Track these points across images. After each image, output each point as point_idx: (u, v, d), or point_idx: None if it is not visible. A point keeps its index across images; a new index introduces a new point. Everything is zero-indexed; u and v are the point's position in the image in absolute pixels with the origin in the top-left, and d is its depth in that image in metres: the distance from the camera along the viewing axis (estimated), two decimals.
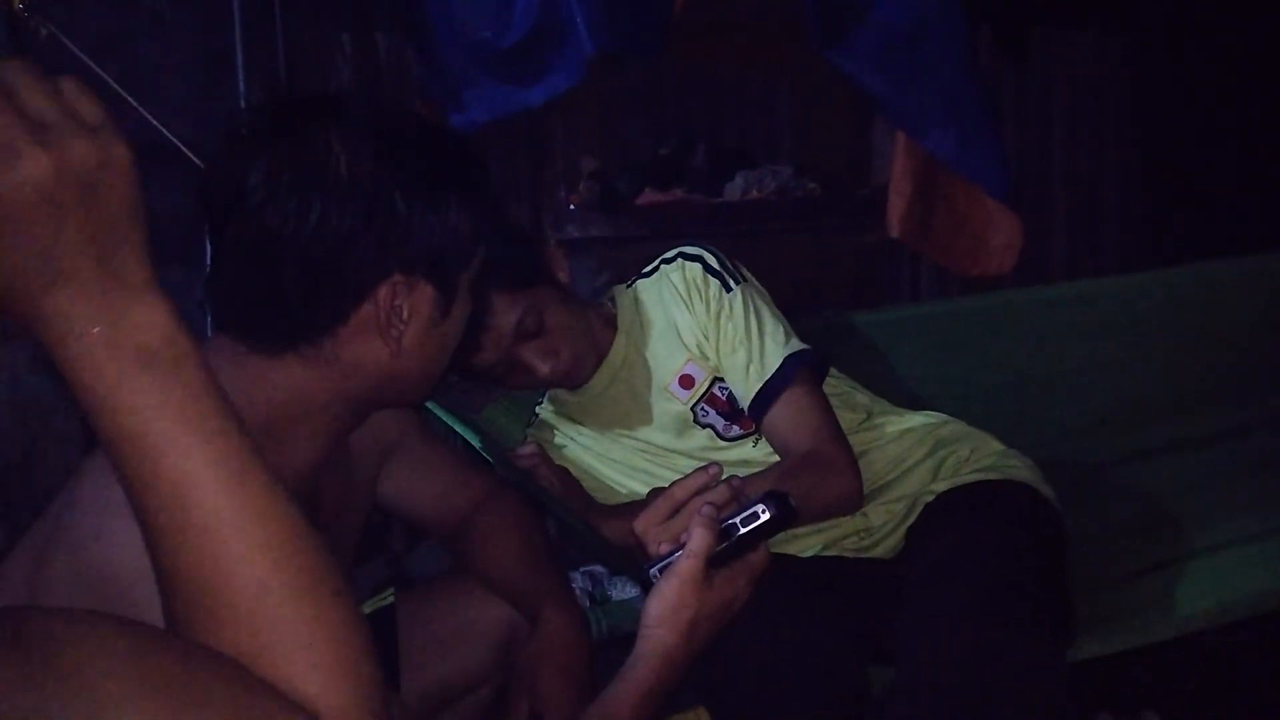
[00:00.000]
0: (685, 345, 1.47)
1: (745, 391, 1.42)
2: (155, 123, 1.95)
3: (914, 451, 1.46)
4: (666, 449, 1.50)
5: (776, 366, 1.39)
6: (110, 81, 2.05)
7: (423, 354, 0.95)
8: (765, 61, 3.36)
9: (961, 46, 2.25)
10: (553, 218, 2.96)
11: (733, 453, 1.47)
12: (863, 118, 3.13)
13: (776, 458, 1.42)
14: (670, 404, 1.48)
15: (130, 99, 2.04)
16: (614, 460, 1.54)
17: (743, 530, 0.93)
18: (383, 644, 1.19)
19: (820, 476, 1.34)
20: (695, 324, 1.46)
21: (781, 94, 3.47)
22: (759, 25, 2.70)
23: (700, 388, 1.47)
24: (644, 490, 1.47)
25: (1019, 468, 1.42)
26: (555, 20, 2.10)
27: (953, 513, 1.35)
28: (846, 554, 1.41)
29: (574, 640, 1.18)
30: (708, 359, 1.46)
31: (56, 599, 0.82)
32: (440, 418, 1.79)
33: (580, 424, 1.57)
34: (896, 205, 2.32)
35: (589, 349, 1.48)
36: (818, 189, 3.01)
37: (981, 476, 1.39)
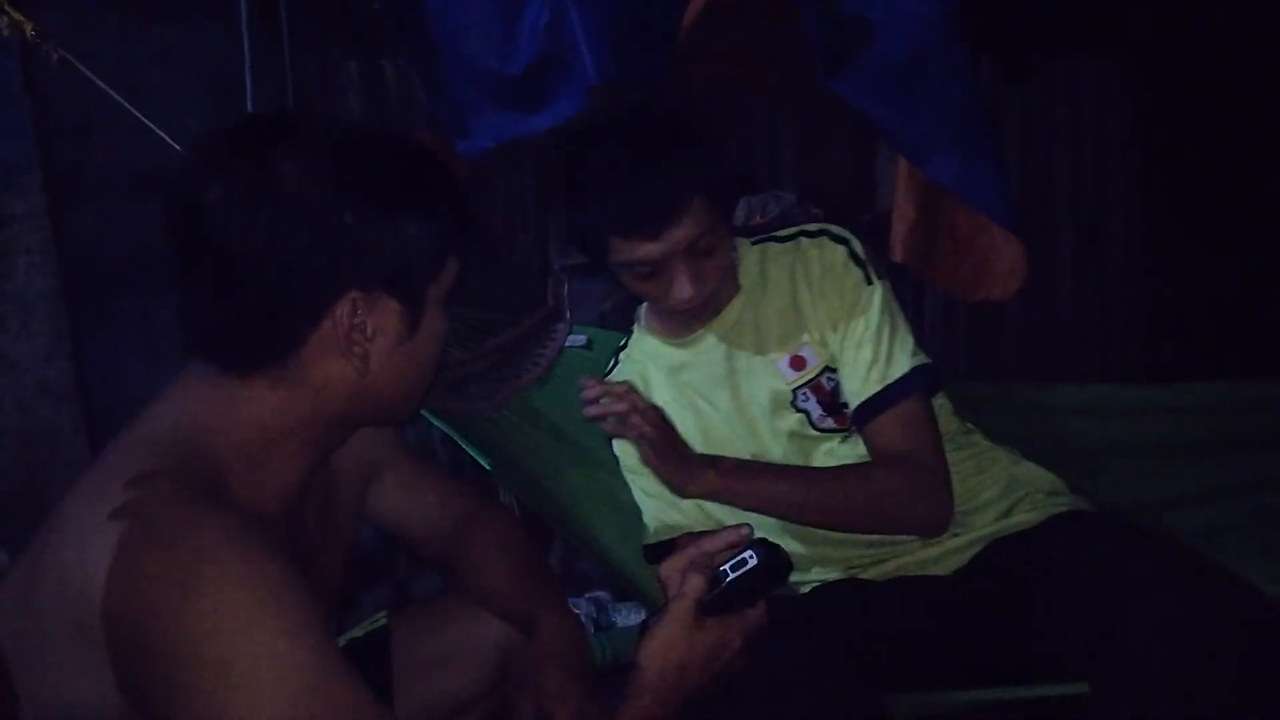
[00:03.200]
0: (806, 326, 1.40)
1: (859, 390, 1.37)
2: (169, 140, 1.97)
3: (995, 481, 1.43)
4: (757, 421, 1.43)
5: (901, 375, 1.35)
6: (122, 101, 2.08)
7: (395, 370, 0.94)
8: (769, 88, 3.38)
9: (964, 75, 2.27)
10: (559, 243, 2.98)
11: (820, 445, 1.42)
12: (866, 144, 3.15)
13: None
14: (773, 380, 1.41)
15: (145, 119, 2.06)
16: (699, 420, 1.46)
17: (732, 575, 0.95)
18: (376, 666, 1.19)
19: (913, 492, 1.31)
20: (825, 309, 1.39)
21: (785, 120, 3.48)
22: (763, 52, 2.72)
23: (809, 373, 1.40)
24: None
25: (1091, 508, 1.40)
26: (560, 49, 2.12)
27: (1049, 530, 1.32)
28: (910, 572, 1.38)
29: (573, 639, 1.19)
30: (826, 346, 1.40)
31: (46, 616, 0.83)
32: (444, 430, 1.78)
33: (675, 378, 1.49)
34: (900, 231, 2.33)
35: (718, 298, 1.42)
36: (821, 214, 3.02)
37: (1064, 508, 1.37)
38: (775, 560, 0.96)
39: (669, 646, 0.94)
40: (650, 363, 1.51)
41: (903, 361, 1.35)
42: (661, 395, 1.48)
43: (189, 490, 0.84)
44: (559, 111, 2.19)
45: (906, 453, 1.32)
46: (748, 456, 1.41)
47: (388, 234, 0.89)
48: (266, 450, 0.92)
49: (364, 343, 0.91)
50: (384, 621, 1.24)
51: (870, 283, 1.38)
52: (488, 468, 1.75)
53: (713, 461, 1.34)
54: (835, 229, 1.41)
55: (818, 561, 1.42)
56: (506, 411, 1.90)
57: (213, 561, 0.79)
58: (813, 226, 1.43)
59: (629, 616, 2.00)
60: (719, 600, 0.96)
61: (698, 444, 1.43)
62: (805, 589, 1.44)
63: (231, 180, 0.86)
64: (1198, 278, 3.42)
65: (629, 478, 1.54)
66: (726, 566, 0.96)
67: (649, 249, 1.29)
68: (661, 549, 1.46)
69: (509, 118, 2.26)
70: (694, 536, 1.22)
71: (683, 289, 1.32)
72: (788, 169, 3.44)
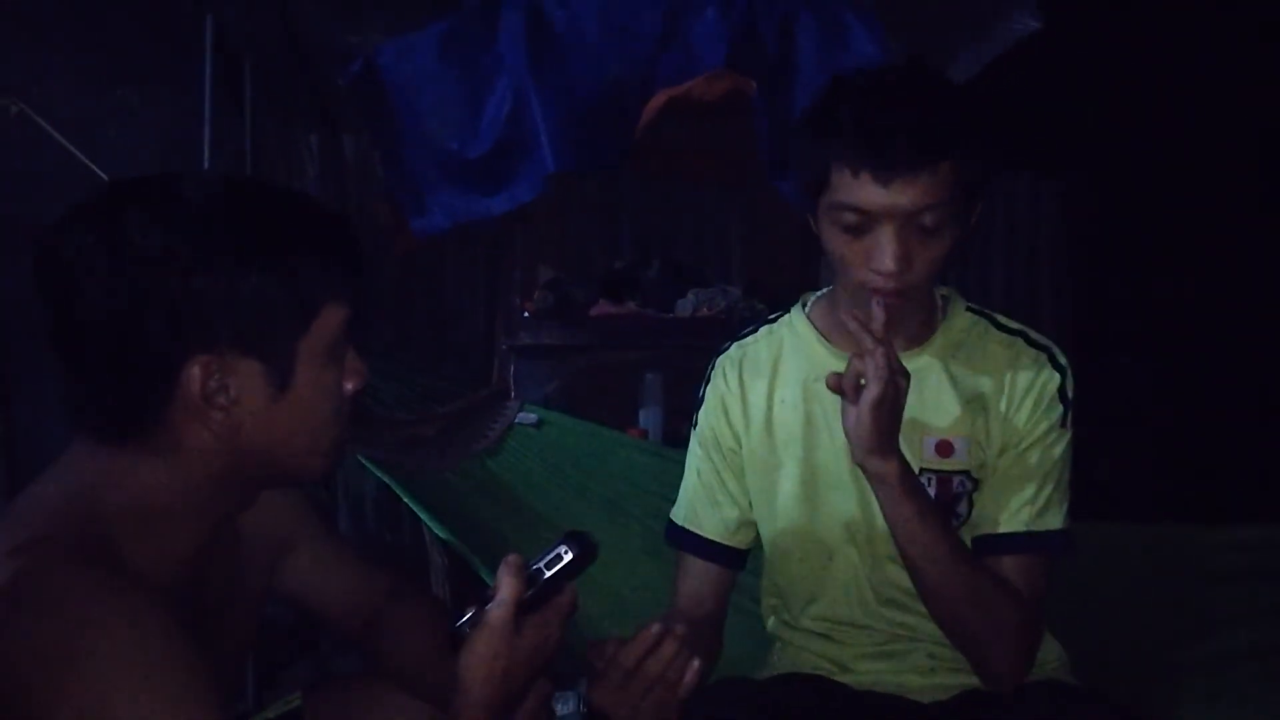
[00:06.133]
0: (978, 424, 1.27)
1: (1001, 519, 1.25)
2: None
3: None
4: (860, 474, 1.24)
5: (1049, 529, 1.25)
6: (79, 154, 2.07)
7: (274, 430, 0.90)
8: (720, 185, 3.48)
9: None
10: (507, 323, 3.00)
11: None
12: (810, 243, 3.22)
13: None
14: (908, 447, 1.23)
15: (96, 169, 2.06)
16: (809, 429, 1.31)
17: (548, 574, 0.95)
18: None
19: (1013, 624, 1.22)
20: (1010, 423, 1.26)
21: (735, 216, 3.58)
22: (716, 151, 2.80)
23: (948, 465, 1.27)
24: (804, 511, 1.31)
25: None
26: (520, 136, 2.17)
27: (1028, 695, 1.25)
28: (887, 689, 1.31)
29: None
30: (981, 453, 1.27)
31: None
32: (387, 481, 1.76)
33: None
34: None
35: (914, 317, 1.27)
36: (765, 309, 3.09)
37: (1042, 676, 1.31)
38: (588, 549, 0.96)
39: (494, 655, 0.92)
40: (791, 346, 1.37)
41: (1056, 518, 1.26)
42: (784, 385, 1.34)
43: (78, 556, 0.81)
44: (515, 196, 2.24)
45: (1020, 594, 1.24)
46: (838, 497, 1.30)
47: (232, 294, 0.85)
48: (156, 518, 0.88)
49: (227, 406, 0.87)
50: (297, 703, 1.20)
51: (1064, 426, 1.27)
52: (428, 521, 1.74)
53: (899, 454, 1.18)
54: (1061, 355, 1.30)
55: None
56: (451, 475, 1.90)
57: (99, 631, 0.77)
58: (1043, 337, 1.31)
59: (567, 705, 1.97)
60: (535, 599, 0.95)
61: (796, 449, 1.31)
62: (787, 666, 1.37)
63: (79, 245, 0.84)
64: (1125, 387, 3.56)
65: (696, 449, 1.39)
66: (541, 564, 0.95)
67: (873, 195, 1.13)
68: (684, 535, 1.38)
69: (466, 199, 2.30)
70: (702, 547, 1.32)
71: (884, 260, 1.14)
72: (735, 263, 3.52)
